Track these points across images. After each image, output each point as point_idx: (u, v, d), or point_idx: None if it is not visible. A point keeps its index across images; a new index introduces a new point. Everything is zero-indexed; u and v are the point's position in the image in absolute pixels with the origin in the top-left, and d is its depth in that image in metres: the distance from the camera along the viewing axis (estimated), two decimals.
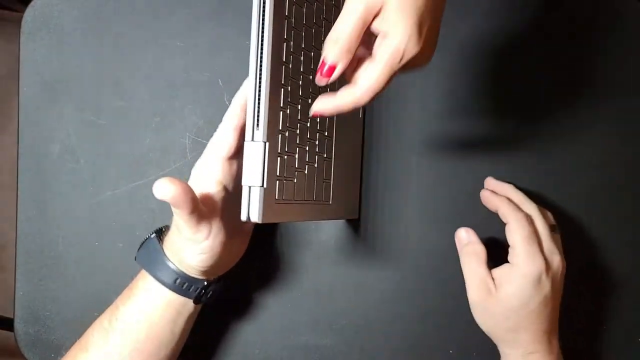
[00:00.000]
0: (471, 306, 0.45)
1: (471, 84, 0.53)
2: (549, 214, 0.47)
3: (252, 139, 0.37)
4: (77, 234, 0.52)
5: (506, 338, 0.45)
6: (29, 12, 0.53)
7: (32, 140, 0.53)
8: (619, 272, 0.52)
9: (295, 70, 0.39)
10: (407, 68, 0.34)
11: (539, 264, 0.43)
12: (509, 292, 0.43)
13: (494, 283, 0.44)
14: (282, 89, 0.38)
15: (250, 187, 0.37)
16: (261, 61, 0.36)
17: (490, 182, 0.50)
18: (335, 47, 0.33)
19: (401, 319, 0.51)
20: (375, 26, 0.33)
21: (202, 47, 0.53)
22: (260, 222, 0.37)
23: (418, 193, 0.52)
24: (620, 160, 0.52)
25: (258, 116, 0.36)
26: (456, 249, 0.50)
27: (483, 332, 0.48)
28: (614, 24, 0.54)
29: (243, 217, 0.37)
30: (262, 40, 0.36)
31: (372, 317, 0.51)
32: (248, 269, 0.52)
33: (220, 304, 0.51)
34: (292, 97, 0.39)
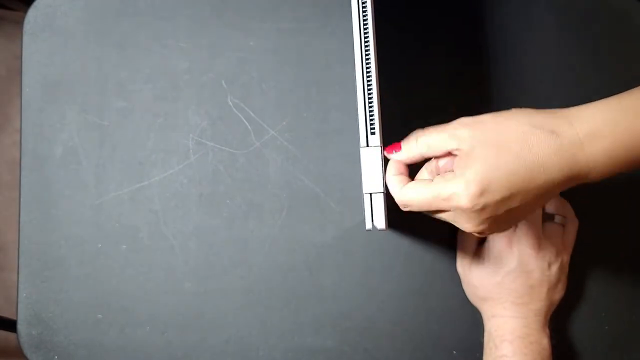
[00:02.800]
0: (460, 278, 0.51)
1: (469, 84, 0.53)
2: (556, 204, 0.48)
3: (367, 145, 0.36)
4: (80, 235, 0.52)
5: (478, 305, 0.49)
6: (32, 13, 0.53)
7: (35, 141, 0.53)
8: (620, 271, 0.52)
9: None
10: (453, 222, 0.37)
11: (502, 242, 0.46)
12: (476, 265, 0.48)
13: (474, 258, 0.49)
14: (379, 93, 0.38)
15: (371, 195, 0.36)
16: (368, 69, 0.36)
17: None
18: (410, 143, 0.38)
19: (405, 320, 0.51)
20: (455, 162, 0.36)
21: (205, 48, 0.53)
22: (385, 229, 0.36)
23: None
24: None
25: (372, 121, 0.36)
26: None
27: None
28: (614, 24, 0.54)
29: (368, 226, 0.37)
30: (367, 48, 0.36)
31: (376, 318, 0.51)
32: (250, 271, 0.52)
33: (222, 306, 0.51)
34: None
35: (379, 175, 0.37)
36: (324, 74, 0.52)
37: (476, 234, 0.37)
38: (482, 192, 0.34)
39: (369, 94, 0.36)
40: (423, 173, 0.40)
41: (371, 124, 0.36)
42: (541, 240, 0.46)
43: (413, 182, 0.38)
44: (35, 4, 0.54)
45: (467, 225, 0.36)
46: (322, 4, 0.53)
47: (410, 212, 0.39)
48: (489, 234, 0.38)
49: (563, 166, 0.34)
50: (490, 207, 0.34)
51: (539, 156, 0.33)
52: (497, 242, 0.47)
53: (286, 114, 0.52)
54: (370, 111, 0.36)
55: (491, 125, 0.35)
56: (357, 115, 0.52)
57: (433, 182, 0.36)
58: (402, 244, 0.52)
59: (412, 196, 0.37)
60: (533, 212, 0.38)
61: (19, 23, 0.53)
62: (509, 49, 0.53)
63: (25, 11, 0.54)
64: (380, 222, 0.36)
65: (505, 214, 0.35)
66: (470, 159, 0.34)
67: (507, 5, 0.53)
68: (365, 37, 0.36)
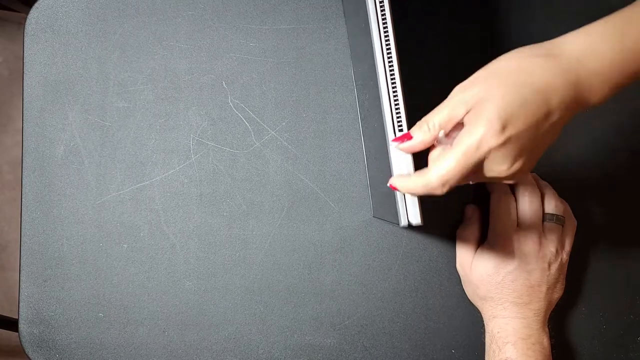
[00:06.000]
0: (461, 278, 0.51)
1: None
2: (555, 204, 0.49)
3: None
4: (82, 235, 0.52)
5: (478, 304, 0.50)
6: (33, 14, 0.54)
7: (37, 141, 0.53)
8: (618, 271, 0.52)
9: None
10: (491, 176, 0.36)
11: (502, 242, 0.47)
12: (477, 264, 0.48)
13: (475, 258, 0.49)
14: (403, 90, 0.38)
15: None
16: (391, 66, 0.36)
17: None
18: (423, 129, 0.37)
19: (404, 318, 0.52)
20: (464, 119, 0.35)
21: (205, 49, 0.53)
22: (421, 224, 0.36)
23: None
24: (618, 160, 0.53)
25: (399, 117, 0.37)
26: None
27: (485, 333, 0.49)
28: None
29: (403, 223, 0.37)
30: (388, 44, 0.36)
31: (375, 316, 0.52)
32: (250, 269, 0.52)
33: (222, 304, 0.52)
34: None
35: (410, 170, 0.37)
36: (323, 74, 0.53)
37: (514, 180, 0.37)
38: (504, 126, 0.34)
39: (394, 92, 0.36)
40: (436, 151, 0.39)
41: (398, 121, 0.37)
42: (541, 240, 0.47)
43: (437, 155, 0.37)
44: (36, 5, 0.54)
45: (504, 167, 0.36)
46: (321, 6, 0.53)
47: (435, 200, 0.39)
48: (527, 171, 0.37)
49: (567, 86, 0.35)
50: (516, 137, 0.35)
51: (542, 80, 0.34)
52: (498, 242, 0.47)
53: (286, 114, 0.53)
54: (397, 109, 0.37)
55: (487, 73, 0.36)
56: (358, 115, 0.52)
57: (456, 142, 0.36)
58: (401, 242, 0.52)
59: (447, 166, 0.35)
60: (553, 140, 0.37)
61: (21, 24, 0.54)
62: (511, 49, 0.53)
63: (27, 12, 0.54)
64: (416, 217, 0.36)
65: (530, 143, 0.35)
66: (481, 105, 0.35)
67: (508, 6, 0.54)
68: (385, 34, 0.36)
